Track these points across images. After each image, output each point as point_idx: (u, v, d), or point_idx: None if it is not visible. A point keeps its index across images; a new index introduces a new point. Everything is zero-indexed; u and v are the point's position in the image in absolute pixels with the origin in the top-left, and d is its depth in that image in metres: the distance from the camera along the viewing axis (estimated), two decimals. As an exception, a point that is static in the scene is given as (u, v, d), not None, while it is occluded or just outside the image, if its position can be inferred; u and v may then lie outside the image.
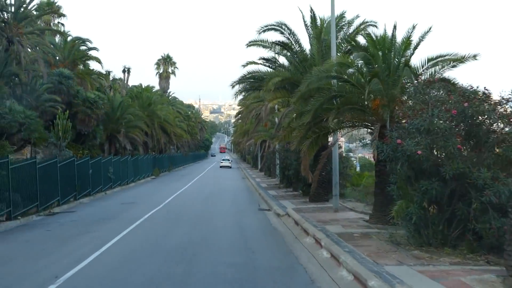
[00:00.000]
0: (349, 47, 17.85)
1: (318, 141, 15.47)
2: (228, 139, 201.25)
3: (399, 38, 13.20)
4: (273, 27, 19.28)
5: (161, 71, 74.45)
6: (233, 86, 20.75)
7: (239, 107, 53.55)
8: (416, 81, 11.81)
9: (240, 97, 25.67)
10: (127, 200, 22.95)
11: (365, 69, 13.76)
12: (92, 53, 38.42)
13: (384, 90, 12.67)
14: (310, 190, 20.56)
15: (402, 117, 11.07)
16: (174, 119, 51.69)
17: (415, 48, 13.12)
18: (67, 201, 21.28)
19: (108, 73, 60.03)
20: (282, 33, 19.41)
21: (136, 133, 40.33)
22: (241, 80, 20.84)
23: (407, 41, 13.08)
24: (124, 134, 39.01)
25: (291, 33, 19.33)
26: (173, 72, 75.32)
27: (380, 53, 13.34)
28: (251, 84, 21.18)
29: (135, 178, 36.92)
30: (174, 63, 74.91)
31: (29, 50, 28.00)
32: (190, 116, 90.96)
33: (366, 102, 13.27)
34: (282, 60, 20.76)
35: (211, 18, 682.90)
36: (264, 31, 19.34)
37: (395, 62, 13.18)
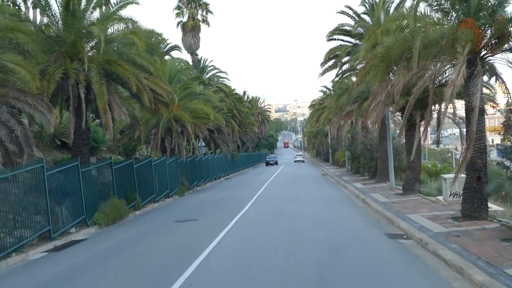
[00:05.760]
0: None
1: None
2: (296, 137, 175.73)
3: None
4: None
5: (184, 19, 44.48)
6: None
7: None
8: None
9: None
10: None
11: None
12: None
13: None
14: None
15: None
16: (162, 68, 20.11)
17: None
18: None
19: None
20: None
21: None
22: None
23: None
24: None
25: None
26: (205, 21, 44.93)
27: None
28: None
29: None
30: (206, 4, 44.56)
31: None
32: (242, 100, 60.82)
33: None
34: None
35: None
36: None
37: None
